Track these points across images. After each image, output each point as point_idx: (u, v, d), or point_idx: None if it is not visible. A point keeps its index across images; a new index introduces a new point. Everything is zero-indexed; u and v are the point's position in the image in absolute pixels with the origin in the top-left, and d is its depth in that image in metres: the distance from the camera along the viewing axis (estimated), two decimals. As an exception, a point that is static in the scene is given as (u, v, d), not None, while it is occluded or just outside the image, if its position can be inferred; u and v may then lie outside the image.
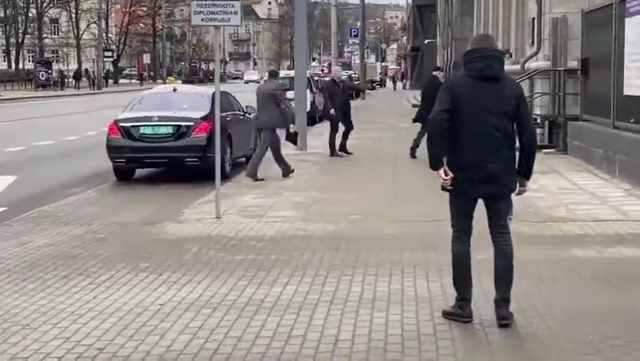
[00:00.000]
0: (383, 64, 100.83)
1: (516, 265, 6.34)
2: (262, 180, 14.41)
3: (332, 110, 18.35)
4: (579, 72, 17.25)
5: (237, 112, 16.62)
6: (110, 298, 7.07)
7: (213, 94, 15.44)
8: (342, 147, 18.63)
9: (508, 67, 25.43)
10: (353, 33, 53.61)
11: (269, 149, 14.99)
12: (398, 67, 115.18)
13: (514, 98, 6.10)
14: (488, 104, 6.02)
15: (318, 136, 22.86)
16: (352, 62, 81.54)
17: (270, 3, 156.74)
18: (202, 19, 10.93)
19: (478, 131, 6.01)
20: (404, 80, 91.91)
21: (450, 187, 6.15)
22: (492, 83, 6.04)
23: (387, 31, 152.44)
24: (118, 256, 8.67)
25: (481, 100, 6.03)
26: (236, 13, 10.85)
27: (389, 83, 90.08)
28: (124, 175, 15.20)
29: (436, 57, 60.87)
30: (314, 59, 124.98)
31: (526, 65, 20.93)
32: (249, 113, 17.45)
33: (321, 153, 19.22)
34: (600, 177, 13.84)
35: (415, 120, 18.47)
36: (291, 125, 15.54)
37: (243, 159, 17.00)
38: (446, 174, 6.05)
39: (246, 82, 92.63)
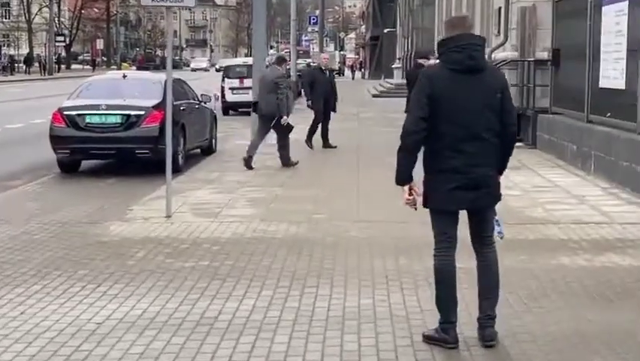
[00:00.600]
0: (341, 53, 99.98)
1: (500, 277, 5.56)
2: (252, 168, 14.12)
3: (309, 102, 17.53)
4: (549, 63, 16.52)
5: (192, 101, 15.68)
6: (41, 313, 6.16)
7: (166, 81, 14.61)
8: (324, 138, 17.65)
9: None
10: (312, 21, 52.70)
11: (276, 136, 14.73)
12: (357, 56, 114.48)
13: (499, 91, 5.31)
14: (472, 100, 5.22)
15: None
16: (311, 50, 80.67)
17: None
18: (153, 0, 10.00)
19: (462, 132, 5.21)
20: (362, 70, 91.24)
21: (414, 207, 5.38)
22: (474, 75, 5.24)
23: (345, 20, 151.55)
24: (55, 261, 7.75)
25: (463, 96, 5.22)
26: (190, -8, 9.94)
27: (347, 73, 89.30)
28: (68, 167, 14.21)
29: (396, 46, 60.26)
30: (271, 47, 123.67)
31: (493, 56, 20.22)
32: (205, 102, 16.55)
33: (279, 144, 18.35)
34: (575, 174, 13.15)
35: (406, 111, 17.71)
36: (284, 118, 14.46)
37: (198, 151, 16.09)
38: (410, 194, 5.26)
39: (193, 70, 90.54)
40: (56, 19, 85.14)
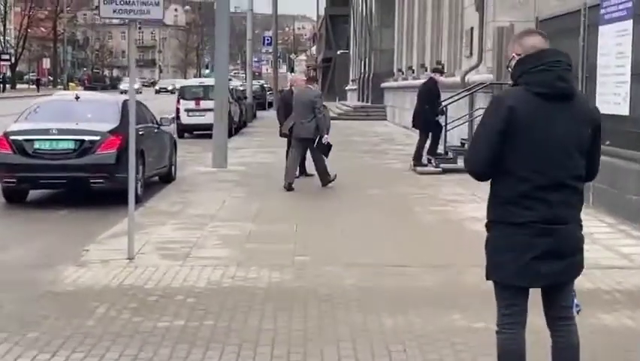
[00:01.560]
0: (292, 74, 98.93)
1: (535, 337, 4.45)
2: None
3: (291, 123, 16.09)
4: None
5: (151, 124, 14.40)
6: (-19, 398, 4.89)
7: (124, 103, 13.33)
8: (300, 166, 15.85)
9: (444, 79, 23.77)
10: (266, 41, 51.56)
11: (313, 159, 14.38)
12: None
13: (591, 125, 4.19)
14: (560, 136, 4.09)
15: (236, 150, 20.77)
16: (262, 71, 79.49)
17: (176, 10, 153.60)
18: (114, 11, 8.74)
19: (546, 177, 4.08)
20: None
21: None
22: (563, 103, 4.12)
23: (294, 41, 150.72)
24: (-2, 320, 6.46)
25: (550, 129, 4.09)
26: (157, 4, 8.71)
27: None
28: (15, 197, 12.86)
29: (349, 68, 59.41)
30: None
31: (466, 78, 19.27)
32: (163, 125, 15.28)
33: (243, 170, 17.14)
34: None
35: (414, 126, 17.44)
36: (325, 136, 14.10)
37: (156, 178, 14.80)
38: None
39: (122, 92, 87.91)
40: (1, 37, 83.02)
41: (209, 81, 29.84)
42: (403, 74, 33.06)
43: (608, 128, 11.92)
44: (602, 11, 12.22)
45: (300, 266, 8.37)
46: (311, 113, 14.10)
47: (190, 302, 7.01)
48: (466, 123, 18.11)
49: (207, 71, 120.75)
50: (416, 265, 8.34)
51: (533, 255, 4.11)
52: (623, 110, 11.36)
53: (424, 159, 16.84)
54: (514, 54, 4.32)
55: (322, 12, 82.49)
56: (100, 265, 8.44)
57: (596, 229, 10.35)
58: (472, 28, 20.17)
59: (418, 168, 16.52)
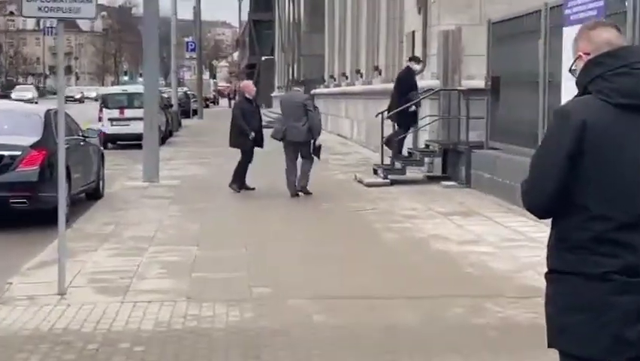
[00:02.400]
0: (214, 81, 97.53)
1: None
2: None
3: (252, 134, 14.90)
4: (489, 92, 14.68)
5: (77, 137, 13.15)
6: None
7: (46, 113, 12.11)
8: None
9: (381, 85, 22.93)
10: (190, 47, 50.25)
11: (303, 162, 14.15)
12: (229, 84, 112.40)
13: None
14: None
15: (166, 162, 19.55)
16: (183, 78, 77.96)
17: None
18: (39, 9, 7.56)
19: (630, 215, 3.11)
20: (235, 98, 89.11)
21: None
22: None
23: (215, 47, 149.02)
24: None
25: (633, 148, 3.13)
26: (90, 0, 7.56)
27: (222, 101, 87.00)
28: None
29: (274, 75, 58.45)
30: (140, 75, 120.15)
31: (410, 84, 18.38)
32: (90, 137, 14.04)
33: (176, 185, 15.97)
34: (538, 222, 11.23)
35: (389, 117, 16.53)
36: (318, 139, 14.20)
37: (82, 195, 13.55)
38: None
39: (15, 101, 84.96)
40: None
41: (134, 88, 28.57)
42: (335, 80, 32.16)
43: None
44: (567, 11, 11.42)
45: (260, 300, 7.30)
46: (304, 115, 13.82)
47: (138, 352, 5.90)
48: (413, 132, 17.21)
49: (126, 78, 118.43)
50: (392, 297, 7.35)
51: (614, 317, 3.13)
52: (595, 117, 10.55)
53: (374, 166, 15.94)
54: (580, 53, 3.34)
55: (245, 18, 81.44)
56: (26, 302, 7.26)
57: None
58: (413, 32, 19.32)
59: (366, 180, 15.55)
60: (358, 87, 26.47)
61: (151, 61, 16.41)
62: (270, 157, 20.49)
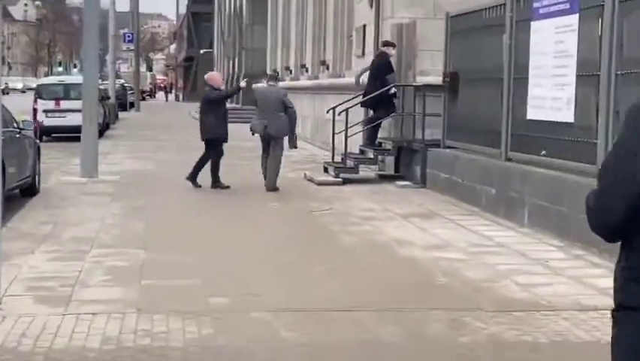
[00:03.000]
0: (151, 73, 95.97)
1: None
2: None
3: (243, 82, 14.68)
4: (446, 89, 14.10)
5: (12, 129, 12.26)
6: None
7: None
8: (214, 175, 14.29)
9: (328, 80, 22.28)
10: (127, 38, 49.00)
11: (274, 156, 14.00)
12: (165, 77, 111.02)
13: None
14: None
15: (104, 156, 18.63)
16: (119, 70, 76.47)
17: (26, 4, 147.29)
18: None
19: None
20: (172, 91, 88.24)
21: None
22: None
23: (152, 40, 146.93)
24: None
25: None
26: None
27: (158, 94, 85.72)
28: None
29: (214, 68, 57.50)
30: (75, 66, 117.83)
31: (361, 80, 17.77)
32: (26, 129, 13.17)
33: (116, 180, 15.12)
34: (504, 225, 10.73)
35: (363, 104, 16.05)
36: (296, 133, 14.45)
37: (17, 192, 12.67)
38: None
39: None
40: None
41: (70, 79, 27.53)
42: (278, 74, 31.39)
43: (542, 138, 10.66)
44: (536, 4, 10.92)
45: (218, 312, 6.59)
46: (282, 110, 13.92)
47: (85, 376, 5.15)
48: (368, 129, 16.58)
49: (60, 69, 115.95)
50: (363, 309, 6.70)
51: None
52: (566, 116, 10.05)
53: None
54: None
55: (183, 10, 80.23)
56: (-45, 314, 6.44)
57: (549, 254, 8.97)
58: (364, 26, 18.71)
59: (317, 179, 14.90)
60: (304, 82, 25.79)
61: (91, 52, 15.52)
62: (191, 151, 19.78)
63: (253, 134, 14.44)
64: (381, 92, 15.16)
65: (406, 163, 15.40)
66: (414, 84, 15.32)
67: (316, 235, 10.09)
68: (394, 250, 9.10)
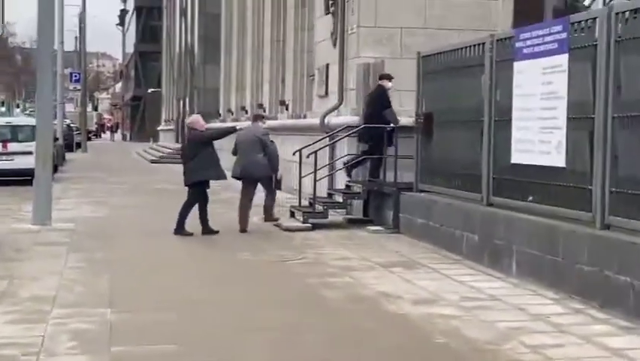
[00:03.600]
0: (97, 113, 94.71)
1: None
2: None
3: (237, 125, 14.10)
4: (419, 130, 13.57)
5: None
6: None
7: None
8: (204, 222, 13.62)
9: (291, 121, 21.69)
10: (74, 78, 48.02)
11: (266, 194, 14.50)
12: (110, 117, 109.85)
13: None
14: None
15: (56, 201, 17.73)
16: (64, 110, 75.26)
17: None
18: None
19: None
20: (118, 131, 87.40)
21: None
22: None
23: (97, 79, 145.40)
24: None
25: None
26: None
27: (104, 134, 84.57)
28: None
29: (161, 107, 56.74)
30: (18, 107, 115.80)
31: (325, 121, 17.25)
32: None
33: (72, 228, 14.30)
34: (490, 275, 10.16)
35: (360, 140, 15.39)
36: (279, 173, 14.51)
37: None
38: None
39: None
40: None
41: (18, 120, 26.64)
42: (232, 114, 30.82)
43: (529, 183, 10.17)
44: (519, 44, 10.47)
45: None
46: (261, 150, 13.94)
47: None
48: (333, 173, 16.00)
49: (3, 109, 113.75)
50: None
51: None
52: (557, 160, 9.56)
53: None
54: None
55: (129, 49, 79.42)
56: None
57: (548, 308, 8.41)
58: (327, 65, 18.21)
59: (284, 224, 14.24)
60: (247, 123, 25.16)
61: (45, 92, 14.73)
62: (159, 197, 19.00)
63: (238, 178, 14.42)
64: (378, 127, 14.46)
65: (375, 207, 14.83)
66: (381, 125, 14.77)
67: (295, 290, 9.41)
68: (383, 307, 8.47)
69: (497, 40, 11.14)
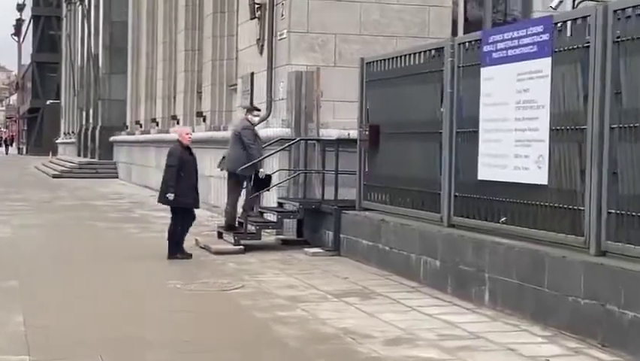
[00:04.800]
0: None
1: None
2: None
3: (170, 195, 12.01)
4: (362, 143, 12.41)
5: None
6: None
7: None
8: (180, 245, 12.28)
9: (208, 133, 20.32)
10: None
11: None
12: (5, 129, 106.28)
13: None
14: None
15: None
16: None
17: None
18: None
19: None
20: (13, 144, 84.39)
21: None
22: None
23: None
24: None
25: None
26: None
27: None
28: None
29: (60, 119, 54.59)
30: None
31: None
32: None
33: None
34: (459, 306, 9.04)
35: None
36: (261, 170, 13.21)
37: None
38: None
39: None
40: None
41: None
42: (141, 126, 29.23)
43: (504, 201, 9.12)
44: (488, 48, 9.42)
45: None
46: (239, 145, 13.34)
47: None
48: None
49: None
50: None
51: None
52: (537, 177, 8.52)
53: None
54: None
55: (26, 60, 76.58)
56: None
57: (540, 349, 7.29)
58: (252, 74, 16.95)
59: (214, 247, 12.90)
60: (175, 135, 23.66)
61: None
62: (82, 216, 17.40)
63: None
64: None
65: (311, 227, 13.62)
66: (320, 138, 13.62)
67: (245, 327, 8.11)
68: (352, 347, 7.23)
69: (459, 44, 10.08)
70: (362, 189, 12.45)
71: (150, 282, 10.48)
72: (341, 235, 12.59)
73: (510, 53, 9.03)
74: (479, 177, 9.50)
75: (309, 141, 14.27)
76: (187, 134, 12.55)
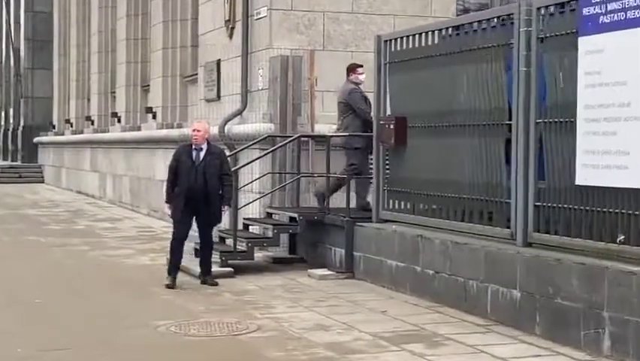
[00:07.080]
0: None
1: None
2: None
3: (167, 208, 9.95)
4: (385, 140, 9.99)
5: None
6: None
7: None
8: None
9: (163, 131, 17.71)
10: None
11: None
12: None
13: None
14: None
15: None
16: None
17: None
18: None
19: None
20: None
21: None
22: None
23: None
24: None
25: None
26: None
27: None
28: None
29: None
30: None
31: (226, 129, 13.43)
32: None
33: None
34: (566, 356, 6.72)
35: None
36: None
37: None
38: None
39: None
40: None
41: None
42: (72, 126, 26.38)
43: (627, 216, 6.84)
44: (590, 9, 7.13)
45: None
46: (347, 114, 10.85)
47: None
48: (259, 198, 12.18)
49: None
50: None
51: None
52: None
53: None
54: None
55: None
56: None
57: None
58: (218, 61, 14.43)
59: (194, 269, 10.31)
60: (116, 134, 20.97)
61: None
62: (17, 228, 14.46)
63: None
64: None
65: (309, 242, 11.20)
66: (327, 134, 11.19)
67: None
68: None
69: (538, 9, 7.76)
70: (382, 197, 10.05)
71: (134, 325, 7.84)
72: (355, 253, 10.18)
73: (630, 14, 6.76)
74: (577, 182, 7.19)
75: (302, 139, 11.82)
76: (193, 130, 9.92)
